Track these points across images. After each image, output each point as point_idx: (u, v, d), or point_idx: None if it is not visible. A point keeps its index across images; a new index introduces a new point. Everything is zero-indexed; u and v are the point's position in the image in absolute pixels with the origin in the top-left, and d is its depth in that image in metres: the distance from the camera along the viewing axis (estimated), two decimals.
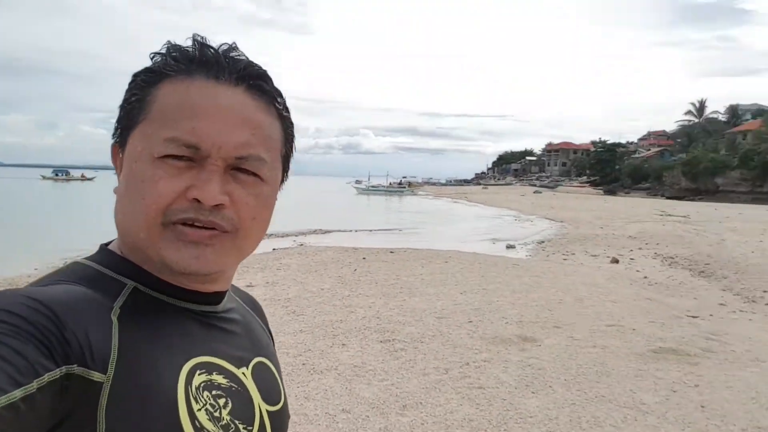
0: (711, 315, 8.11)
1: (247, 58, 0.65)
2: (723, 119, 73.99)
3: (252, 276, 9.67)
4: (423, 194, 76.07)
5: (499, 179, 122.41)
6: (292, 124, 0.70)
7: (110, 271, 0.63)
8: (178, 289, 0.65)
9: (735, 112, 73.52)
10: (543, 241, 18.82)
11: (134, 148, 0.62)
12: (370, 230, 22.51)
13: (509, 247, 17.03)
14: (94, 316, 0.56)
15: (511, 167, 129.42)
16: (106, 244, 0.68)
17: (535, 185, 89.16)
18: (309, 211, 29.64)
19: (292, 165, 0.73)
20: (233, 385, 0.65)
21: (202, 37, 0.64)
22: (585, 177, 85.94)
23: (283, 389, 0.77)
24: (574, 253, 15.15)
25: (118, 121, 0.65)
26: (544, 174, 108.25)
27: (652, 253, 14.95)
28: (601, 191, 71.37)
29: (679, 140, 74.00)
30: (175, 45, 0.64)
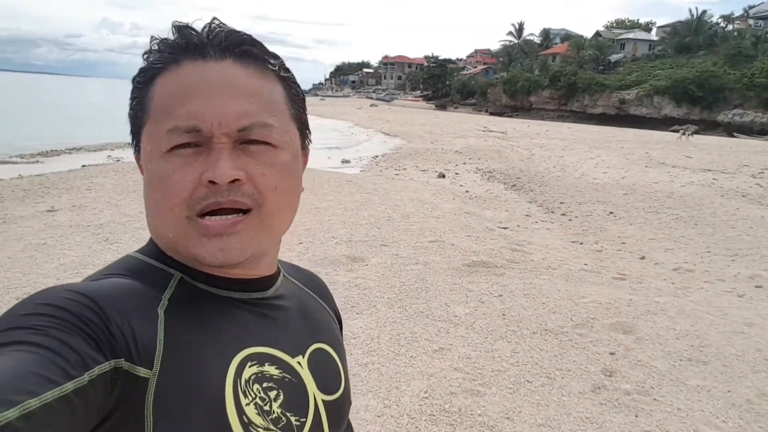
0: (518, 226, 9.13)
1: (230, 28, 0.63)
2: (537, 41, 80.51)
3: (55, 199, 8.52)
4: None
5: (336, 91, 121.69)
6: (295, 83, 0.68)
7: (158, 262, 0.63)
8: (221, 279, 0.64)
9: (547, 36, 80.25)
10: (377, 156, 19.36)
11: (145, 149, 0.62)
12: None
13: (344, 162, 17.23)
14: (140, 309, 0.56)
15: (349, 79, 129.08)
16: None
17: (371, 98, 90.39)
18: (126, 121, 26.69)
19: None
20: (286, 375, 0.64)
21: (180, 22, 0.63)
22: (419, 91, 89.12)
23: (345, 376, 0.75)
24: (405, 168, 15.83)
25: (130, 130, 0.64)
26: (380, 87, 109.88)
27: (474, 168, 16.22)
28: (433, 105, 74.88)
29: (501, 59, 79.31)
30: (160, 38, 0.63)
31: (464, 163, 17.34)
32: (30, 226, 6.86)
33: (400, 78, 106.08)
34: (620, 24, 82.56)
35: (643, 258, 7.29)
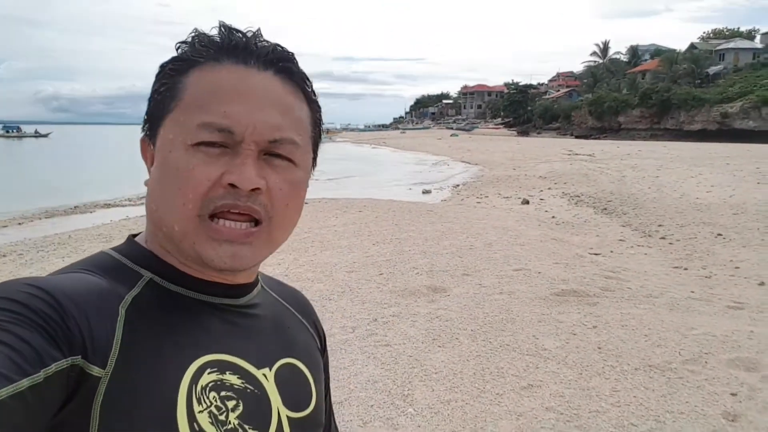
0: (611, 251, 8.51)
1: (274, 42, 0.64)
2: (625, 59, 77.37)
3: None
4: (341, 141, 75.16)
5: (417, 123, 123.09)
6: (320, 107, 0.69)
7: (130, 261, 0.62)
8: (199, 281, 0.63)
9: (635, 53, 77.00)
10: (458, 185, 19.10)
11: (166, 137, 0.60)
12: None
13: (425, 192, 17.14)
14: (100, 306, 0.54)
15: (429, 111, 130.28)
16: (134, 236, 0.67)
17: (452, 128, 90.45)
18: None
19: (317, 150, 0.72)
20: (248, 386, 0.61)
21: (228, 24, 0.63)
22: (500, 119, 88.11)
23: (316, 395, 0.71)
24: (487, 196, 15.45)
25: (147, 113, 0.64)
26: (460, 117, 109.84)
27: (560, 193, 15.54)
28: (515, 132, 73.61)
29: (585, 81, 76.82)
30: (202, 33, 0.63)
31: (549, 188, 16.67)
32: None
33: (480, 107, 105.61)
34: (718, 34, 77.48)
35: (762, 284, 6.48)
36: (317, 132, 0.69)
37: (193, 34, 0.63)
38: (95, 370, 0.51)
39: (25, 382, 0.44)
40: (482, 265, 6.73)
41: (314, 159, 0.70)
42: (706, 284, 6.55)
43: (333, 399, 0.88)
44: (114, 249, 0.64)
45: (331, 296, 5.59)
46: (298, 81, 0.65)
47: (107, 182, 20.03)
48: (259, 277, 0.74)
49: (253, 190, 0.58)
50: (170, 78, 0.62)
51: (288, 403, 0.65)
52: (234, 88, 0.59)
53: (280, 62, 0.63)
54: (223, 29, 0.63)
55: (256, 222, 0.60)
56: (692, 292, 5.90)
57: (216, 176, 0.58)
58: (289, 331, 0.73)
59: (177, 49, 0.63)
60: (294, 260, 7.19)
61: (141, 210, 12.96)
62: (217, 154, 0.58)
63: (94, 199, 15.53)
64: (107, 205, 14.91)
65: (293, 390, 0.67)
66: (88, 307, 0.52)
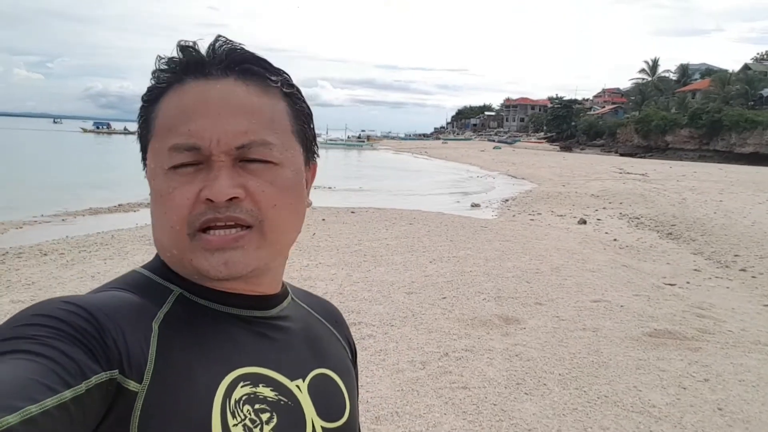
0: (688, 282, 7.76)
1: (233, 44, 0.63)
2: (674, 78, 75.02)
3: None
4: (382, 148, 74.80)
5: (458, 134, 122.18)
6: (300, 98, 0.66)
7: (159, 278, 0.63)
8: (222, 294, 0.63)
9: (685, 71, 74.63)
10: (507, 200, 18.39)
11: (150, 166, 0.62)
12: (329, 187, 20.36)
13: (474, 206, 16.52)
14: (135, 322, 0.55)
15: (470, 122, 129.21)
16: None
17: (493, 140, 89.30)
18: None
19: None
20: (282, 398, 0.61)
21: (186, 41, 0.63)
22: (542, 133, 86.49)
23: (350, 406, 0.70)
24: (540, 213, 14.74)
25: (140, 147, 0.65)
26: (502, 129, 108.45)
27: (617, 213, 14.71)
28: (557, 147, 72.03)
29: (632, 98, 74.57)
30: (165, 57, 0.63)
31: (604, 208, 15.84)
32: None
33: (522, 120, 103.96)
34: None
35: None
36: (302, 124, 0.66)
37: (157, 60, 0.63)
38: (132, 385, 0.51)
39: (68, 394, 0.45)
40: (554, 293, 6.12)
41: (309, 149, 0.68)
42: None
43: None
44: (144, 267, 0.65)
45: (393, 322, 5.08)
46: (262, 79, 0.63)
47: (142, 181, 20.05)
48: (288, 288, 0.73)
49: (230, 199, 0.58)
50: (145, 109, 0.63)
51: (322, 414, 0.65)
52: (195, 104, 0.59)
53: (238, 65, 0.62)
54: (178, 48, 0.62)
55: (248, 227, 0.59)
56: None
57: (194, 194, 0.58)
58: (322, 341, 0.73)
59: (151, 78, 0.63)
60: (347, 276, 6.73)
61: None
62: (192, 172, 0.59)
63: (136, 198, 15.31)
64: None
65: (327, 401, 0.66)
66: (123, 323, 0.53)
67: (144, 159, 0.64)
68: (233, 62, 0.61)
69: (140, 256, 7.60)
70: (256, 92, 0.61)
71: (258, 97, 0.61)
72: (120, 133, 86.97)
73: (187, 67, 0.61)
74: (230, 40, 0.63)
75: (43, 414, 0.42)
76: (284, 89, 0.64)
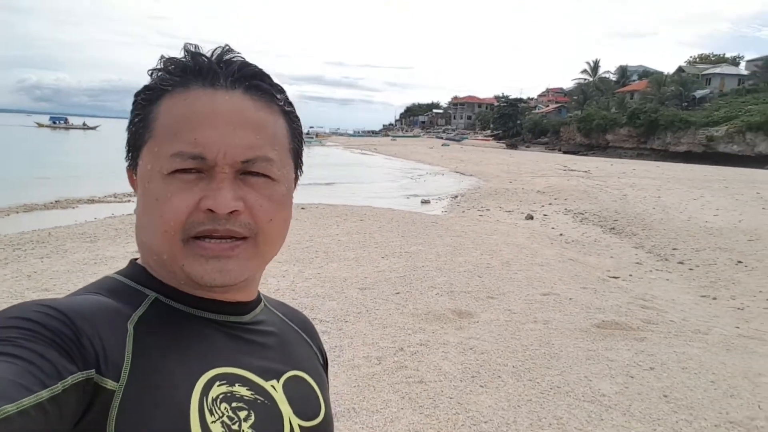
0: (630, 275, 8.06)
1: (243, 58, 0.64)
2: (614, 79, 77.98)
3: None
4: (331, 145, 74.33)
5: (407, 131, 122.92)
6: (297, 117, 0.69)
7: (134, 283, 0.63)
8: (201, 300, 0.64)
9: (624, 73, 77.69)
10: (457, 196, 18.62)
11: (145, 167, 0.61)
12: None
13: (424, 202, 16.62)
14: (110, 323, 0.55)
15: (419, 119, 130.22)
16: (135, 259, 0.68)
17: (441, 137, 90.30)
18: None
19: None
20: (258, 397, 0.62)
21: (195, 46, 0.63)
22: (489, 131, 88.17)
23: (325, 406, 0.71)
24: (488, 209, 14.99)
25: (127, 143, 0.65)
26: (450, 127, 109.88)
27: (563, 209, 15.14)
28: (503, 145, 73.62)
29: (575, 97, 77.06)
30: (170, 58, 0.63)
31: (550, 204, 16.28)
32: (120, 267, 6.61)
33: (470, 118, 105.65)
34: (704, 59, 78.51)
35: None
36: (297, 142, 0.68)
37: (162, 60, 0.63)
38: (109, 384, 0.51)
39: (44, 393, 0.45)
40: (505, 287, 6.21)
41: (298, 165, 0.69)
42: (742, 317, 6.10)
43: None
44: (118, 273, 0.65)
45: (347, 317, 5.01)
46: (269, 96, 0.64)
47: (91, 177, 19.13)
48: (261, 296, 0.74)
49: (231, 213, 0.58)
50: (143, 108, 0.62)
51: (299, 413, 0.65)
52: (203, 113, 0.59)
53: (248, 80, 0.62)
54: (187, 53, 0.62)
55: (243, 238, 0.60)
56: (737, 327, 5.45)
57: (194, 202, 0.58)
58: (294, 346, 0.74)
59: (149, 76, 0.63)
60: (299, 272, 6.60)
61: (126, 208, 11.96)
62: (192, 179, 0.59)
63: (78, 194, 14.61)
64: (90, 201, 14.07)
65: (302, 400, 0.67)
66: (99, 323, 0.54)
67: (133, 157, 0.64)
68: (244, 76, 0.62)
69: (81, 254, 7.21)
70: (262, 108, 0.62)
71: (264, 113, 0.62)
72: (78, 128, 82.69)
73: (196, 73, 0.61)
74: (238, 53, 0.64)
75: (20, 413, 0.43)
76: (285, 107, 0.66)
